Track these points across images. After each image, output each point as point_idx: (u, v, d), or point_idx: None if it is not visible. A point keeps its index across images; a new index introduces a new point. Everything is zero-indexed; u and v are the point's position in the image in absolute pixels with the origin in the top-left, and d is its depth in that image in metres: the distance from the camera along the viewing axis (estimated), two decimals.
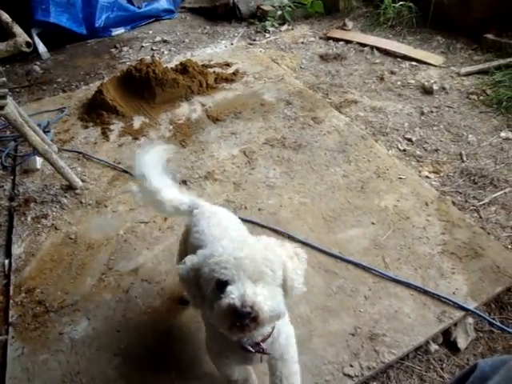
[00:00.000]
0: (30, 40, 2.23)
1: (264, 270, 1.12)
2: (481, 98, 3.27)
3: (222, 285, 1.11)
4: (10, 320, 2.09)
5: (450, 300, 1.92)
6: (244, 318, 1.06)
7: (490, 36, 3.75)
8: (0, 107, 2.17)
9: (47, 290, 2.21)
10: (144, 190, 1.79)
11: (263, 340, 1.30)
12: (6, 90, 2.15)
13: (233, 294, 1.07)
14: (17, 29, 2.32)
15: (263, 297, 1.09)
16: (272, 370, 1.55)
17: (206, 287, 1.16)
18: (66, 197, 2.75)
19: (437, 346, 1.87)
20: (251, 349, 1.28)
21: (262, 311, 1.07)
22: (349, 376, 1.72)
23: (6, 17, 2.54)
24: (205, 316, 1.45)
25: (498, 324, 1.90)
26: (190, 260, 1.25)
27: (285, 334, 1.43)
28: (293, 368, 1.54)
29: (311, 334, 1.86)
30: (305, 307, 1.95)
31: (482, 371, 0.75)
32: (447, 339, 1.89)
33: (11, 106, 2.42)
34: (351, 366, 1.75)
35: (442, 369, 1.79)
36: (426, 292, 1.97)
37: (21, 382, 1.83)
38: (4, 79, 2.12)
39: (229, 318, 1.08)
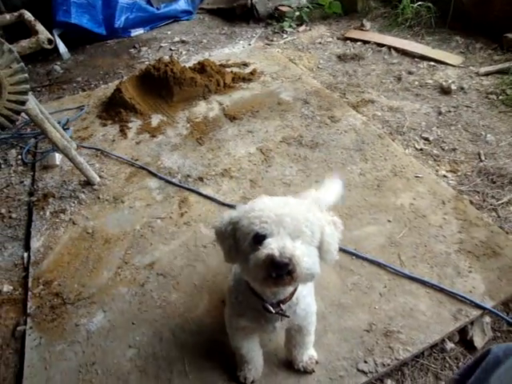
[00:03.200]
0: (51, 37, 2.27)
1: (304, 230, 1.13)
2: (500, 97, 3.23)
3: (259, 238, 1.11)
4: (29, 311, 2.12)
5: (466, 298, 1.90)
6: (281, 270, 1.06)
7: (510, 35, 3.70)
8: (22, 102, 2.20)
9: (64, 282, 2.24)
10: None
11: (284, 301, 1.33)
12: (28, 86, 2.18)
13: (272, 245, 1.07)
14: (39, 26, 2.36)
15: (302, 252, 1.09)
16: (288, 338, 1.67)
17: (242, 240, 1.17)
18: (83, 192, 2.79)
19: (453, 345, 1.85)
20: (271, 308, 1.31)
21: (300, 265, 1.07)
22: (363, 372, 1.71)
23: (29, 15, 2.59)
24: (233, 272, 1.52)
25: None
26: (229, 214, 1.27)
27: (305, 305, 1.45)
28: (307, 338, 1.65)
29: (326, 330, 1.85)
30: (320, 303, 1.92)
31: (495, 356, 0.74)
32: (463, 338, 1.87)
33: (32, 103, 2.46)
34: (365, 362, 1.74)
35: (457, 367, 1.77)
36: (442, 290, 1.95)
37: (38, 371, 1.86)
38: (26, 75, 2.15)
39: (265, 269, 1.08)
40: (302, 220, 1.13)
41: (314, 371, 1.72)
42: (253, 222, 1.13)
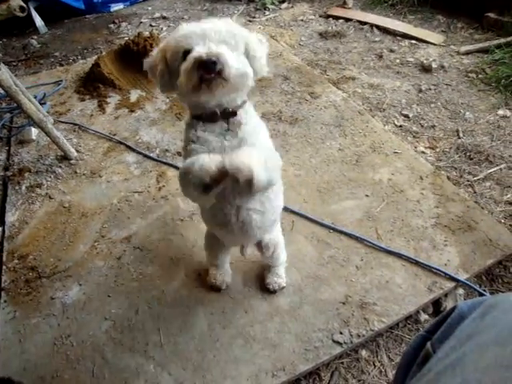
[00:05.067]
0: (23, 4, 2.20)
1: (227, 40, 1.18)
2: (480, 76, 3.25)
3: (188, 54, 1.15)
4: (3, 285, 2.09)
5: (441, 271, 1.92)
6: (210, 69, 1.10)
7: (491, 15, 3.71)
8: None
9: (40, 256, 2.21)
10: None
11: (230, 114, 1.32)
12: (0, 55, 2.12)
13: (199, 49, 1.12)
14: None
15: (228, 53, 1.14)
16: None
17: (173, 62, 1.22)
18: (60, 167, 2.74)
19: (427, 316, 1.87)
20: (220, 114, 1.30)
21: (228, 64, 1.11)
22: (338, 343, 1.72)
23: None
24: None
25: (489, 295, 1.91)
26: (156, 47, 1.32)
27: (253, 126, 1.37)
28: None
29: (302, 302, 1.86)
30: (296, 276, 1.96)
31: (460, 311, 0.75)
32: (437, 309, 1.90)
33: (5, 73, 2.40)
34: (341, 333, 1.75)
35: None
36: (417, 263, 1.97)
37: (12, 344, 1.84)
38: None
39: (196, 73, 1.11)
40: (225, 31, 1.19)
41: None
42: (179, 41, 1.19)
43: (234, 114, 1.31)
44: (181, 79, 1.16)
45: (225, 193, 1.33)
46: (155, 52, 1.30)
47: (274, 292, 1.89)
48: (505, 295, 0.80)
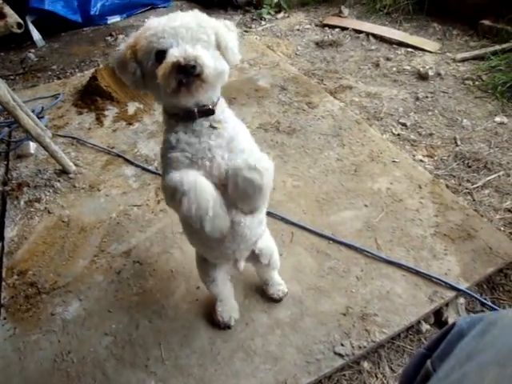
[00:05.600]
0: (20, 21, 2.21)
1: (200, 36, 1.14)
2: (476, 83, 3.26)
3: (161, 55, 1.11)
4: (2, 301, 2.08)
5: (441, 280, 1.92)
6: (190, 73, 1.08)
7: (486, 22, 3.73)
8: None
9: (39, 272, 2.20)
10: None
11: (208, 112, 1.27)
12: None
13: (175, 53, 1.08)
14: (8, 10, 2.30)
15: (204, 54, 1.11)
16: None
17: (145, 62, 1.17)
18: (59, 181, 2.74)
19: (428, 326, 1.87)
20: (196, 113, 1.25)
21: (206, 65, 1.09)
22: (340, 355, 1.71)
23: None
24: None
25: (490, 304, 1.90)
26: (125, 42, 1.25)
27: (233, 125, 1.34)
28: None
29: (302, 314, 1.86)
30: (296, 288, 1.95)
31: (460, 328, 0.75)
32: (439, 319, 1.89)
33: (3, 89, 2.41)
34: (342, 345, 1.74)
35: None
36: (417, 273, 1.97)
37: (12, 362, 1.83)
38: None
39: (174, 77, 1.08)
40: (196, 27, 1.15)
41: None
42: (151, 41, 1.13)
43: (212, 111, 1.27)
44: (160, 85, 1.12)
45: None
46: (123, 47, 1.24)
47: (279, 300, 1.90)
48: (504, 312, 0.80)
